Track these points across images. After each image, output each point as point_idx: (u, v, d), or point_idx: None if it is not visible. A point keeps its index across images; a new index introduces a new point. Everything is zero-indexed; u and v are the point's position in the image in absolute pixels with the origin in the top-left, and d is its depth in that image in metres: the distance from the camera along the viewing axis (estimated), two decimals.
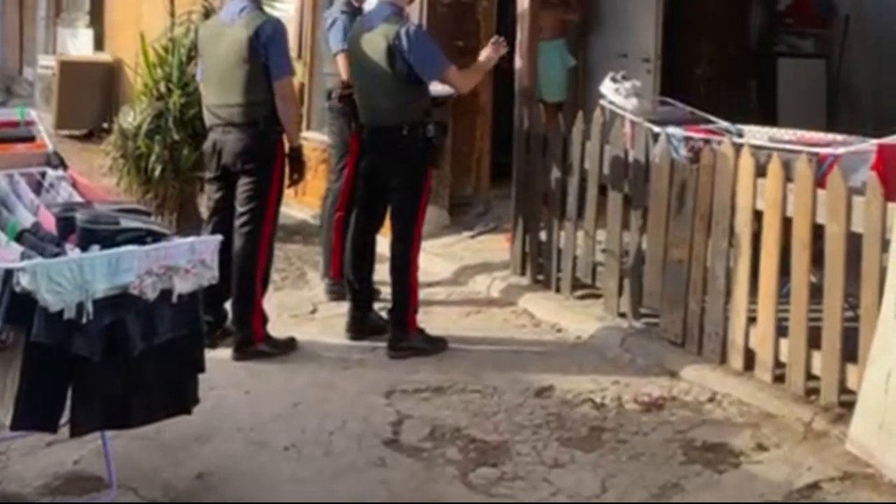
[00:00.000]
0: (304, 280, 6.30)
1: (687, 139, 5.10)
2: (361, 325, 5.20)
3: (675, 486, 3.67)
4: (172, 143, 7.07)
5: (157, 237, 3.24)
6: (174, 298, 3.16)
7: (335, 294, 5.79)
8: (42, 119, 4.41)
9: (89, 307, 2.98)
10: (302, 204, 7.60)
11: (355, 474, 3.77)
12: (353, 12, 5.70)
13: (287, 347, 5.03)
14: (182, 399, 3.43)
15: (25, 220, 3.46)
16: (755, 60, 8.45)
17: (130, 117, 7.36)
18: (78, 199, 3.58)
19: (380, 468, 3.81)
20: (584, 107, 7.32)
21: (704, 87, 7.66)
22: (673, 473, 3.77)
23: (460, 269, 6.29)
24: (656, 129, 5.21)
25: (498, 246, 6.57)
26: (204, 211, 7.33)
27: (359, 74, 5.12)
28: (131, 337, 3.05)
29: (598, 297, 5.56)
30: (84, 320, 2.98)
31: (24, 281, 2.94)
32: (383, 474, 3.77)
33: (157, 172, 7.08)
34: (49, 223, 3.44)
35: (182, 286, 3.16)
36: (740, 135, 5.37)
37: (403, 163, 4.95)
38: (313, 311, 5.70)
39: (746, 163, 4.60)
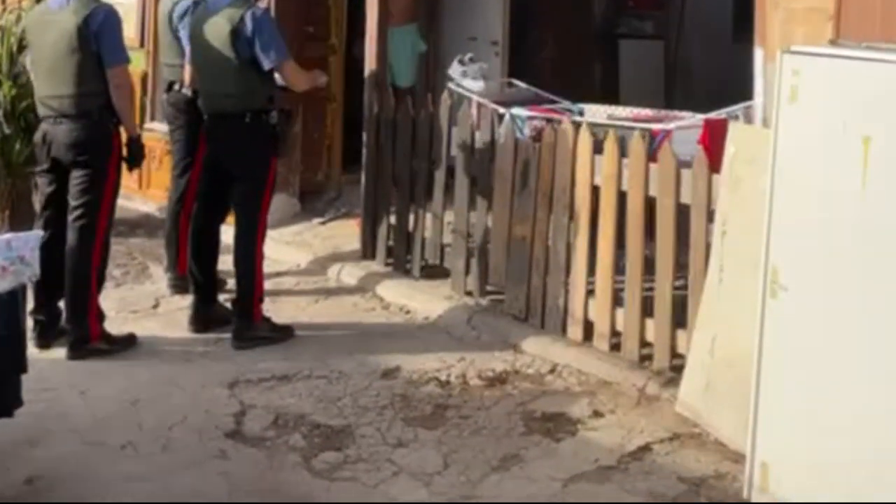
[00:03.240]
0: (146, 275, 6.11)
1: (530, 119, 5.18)
2: (205, 318, 5.09)
3: (514, 458, 3.73)
4: (3, 136, 6.74)
5: None
6: None
7: (178, 288, 5.63)
8: None
9: None
10: (146, 197, 7.38)
11: (195, 468, 3.68)
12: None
13: (126, 344, 4.87)
14: (3, 402, 3.27)
15: None
16: (599, 42, 8.65)
17: None
18: None
19: (220, 460, 3.74)
20: (435, 91, 7.39)
21: (550, 69, 7.78)
22: (513, 445, 3.83)
23: (310, 256, 6.22)
24: (501, 109, 5.26)
25: (348, 231, 6.52)
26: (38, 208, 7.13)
27: (201, 60, 5.00)
28: None
29: (446, 277, 5.60)
30: None
31: None
32: (224, 466, 3.70)
33: None
34: None
35: (1, 285, 3.01)
36: (581, 113, 5.50)
37: (246, 152, 4.86)
38: (155, 306, 5.54)
39: (585, 140, 4.70)
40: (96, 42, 4.69)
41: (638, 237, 4.49)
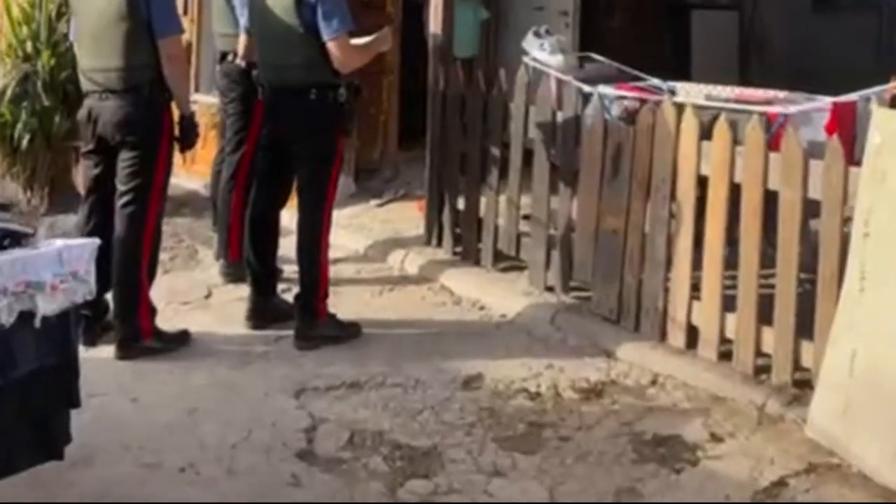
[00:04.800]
0: (195, 260, 5.69)
1: (620, 98, 4.67)
2: (263, 313, 4.65)
3: (630, 492, 3.26)
4: (42, 109, 6.35)
5: (16, 239, 2.60)
6: (37, 322, 2.53)
7: (232, 276, 5.21)
8: None
9: None
10: (191, 173, 6.94)
11: (265, 497, 3.24)
12: None
13: (179, 341, 4.44)
14: (50, 441, 2.83)
15: None
16: (669, 13, 8.09)
17: None
18: None
19: (293, 488, 3.29)
20: (496, 63, 6.89)
21: (619, 41, 7.24)
22: (626, 475, 3.36)
23: (369, 241, 5.76)
24: (586, 87, 4.76)
25: (409, 214, 6.07)
26: (80, 185, 6.71)
27: (260, 29, 4.50)
28: None
29: (522, 269, 5.13)
30: None
31: None
32: (298, 495, 3.26)
33: (24, 142, 6.35)
34: None
35: (47, 307, 2.54)
36: (673, 92, 4.99)
37: (311, 130, 4.37)
38: (208, 297, 5.11)
39: (690, 124, 4.20)
40: (147, 9, 4.23)
41: (754, 235, 3.98)
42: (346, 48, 4.32)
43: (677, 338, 4.27)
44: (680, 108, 4.31)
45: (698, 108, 4.33)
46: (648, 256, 4.40)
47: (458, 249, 5.42)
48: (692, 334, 4.24)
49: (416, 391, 4.01)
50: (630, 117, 4.66)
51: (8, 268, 2.44)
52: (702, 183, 4.19)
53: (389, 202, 6.32)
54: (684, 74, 6.81)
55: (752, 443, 3.56)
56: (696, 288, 4.23)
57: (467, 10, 6.85)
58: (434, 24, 5.59)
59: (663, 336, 4.33)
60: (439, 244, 5.53)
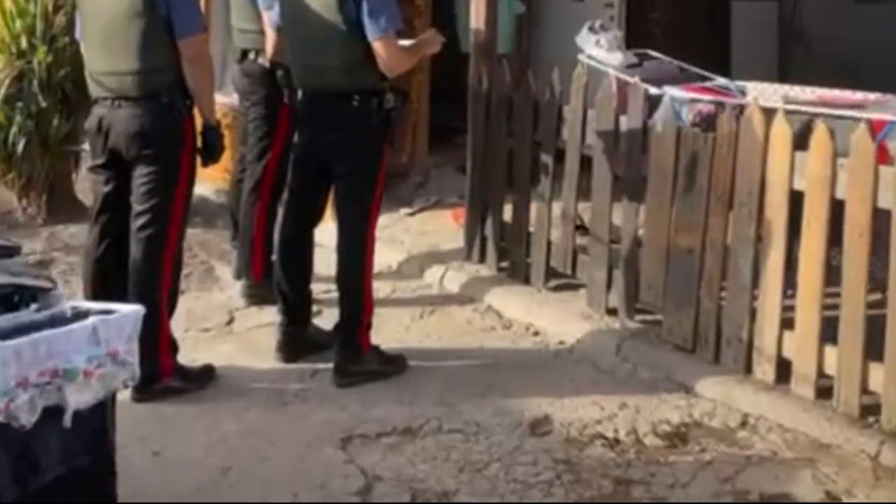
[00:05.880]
0: (212, 278, 5.18)
1: (692, 102, 4.18)
2: (297, 344, 4.16)
3: None
4: (38, 110, 5.81)
5: (31, 295, 2.10)
6: (66, 420, 2.03)
7: (256, 298, 4.72)
8: None
9: None
10: (201, 177, 6.38)
11: None
12: None
13: (204, 379, 3.96)
14: None
15: None
16: (710, 3, 7.60)
17: None
18: None
19: None
20: (530, 60, 6.41)
21: (661, 32, 6.75)
22: None
23: (403, 256, 5.27)
24: (653, 89, 4.27)
25: (443, 225, 5.58)
26: (80, 193, 6.20)
27: (295, 24, 3.99)
28: None
29: (576, 288, 4.65)
30: None
31: None
32: None
33: (20, 147, 5.82)
34: None
35: (79, 399, 2.03)
36: (744, 93, 4.51)
37: (353, 141, 3.88)
38: (229, 322, 4.61)
39: (781, 132, 3.72)
40: (165, 4, 3.74)
41: (861, 257, 3.52)
42: (394, 49, 3.83)
43: (765, 372, 3.81)
44: (765, 112, 3.83)
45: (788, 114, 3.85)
46: (730, 279, 3.93)
47: (504, 265, 4.94)
48: (782, 368, 3.77)
49: (478, 439, 3.53)
50: (704, 123, 4.19)
51: (29, 353, 1.92)
52: (795, 198, 3.72)
53: (420, 211, 5.83)
54: (724, 69, 6.33)
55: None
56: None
57: (501, 3, 6.33)
58: (476, 19, 5.09)
59: (748, 369, 3.86)
60: (482, 259, 5.05)
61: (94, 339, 2.06)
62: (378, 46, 3.81)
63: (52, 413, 2.04)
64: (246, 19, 4.73)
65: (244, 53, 4.77)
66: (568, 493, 3.18)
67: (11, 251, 2.46)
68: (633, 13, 6.64)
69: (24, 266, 2.46)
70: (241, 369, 4.10)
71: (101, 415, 2.18)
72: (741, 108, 4.12)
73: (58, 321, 2.07)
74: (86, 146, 5.96)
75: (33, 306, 2.18)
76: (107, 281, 3.88)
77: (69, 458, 2.11)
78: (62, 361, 1.98)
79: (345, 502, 3.14)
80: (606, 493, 3.19)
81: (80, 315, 2.13)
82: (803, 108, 4.04)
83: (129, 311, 2.20)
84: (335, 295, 4.34)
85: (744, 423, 3.64)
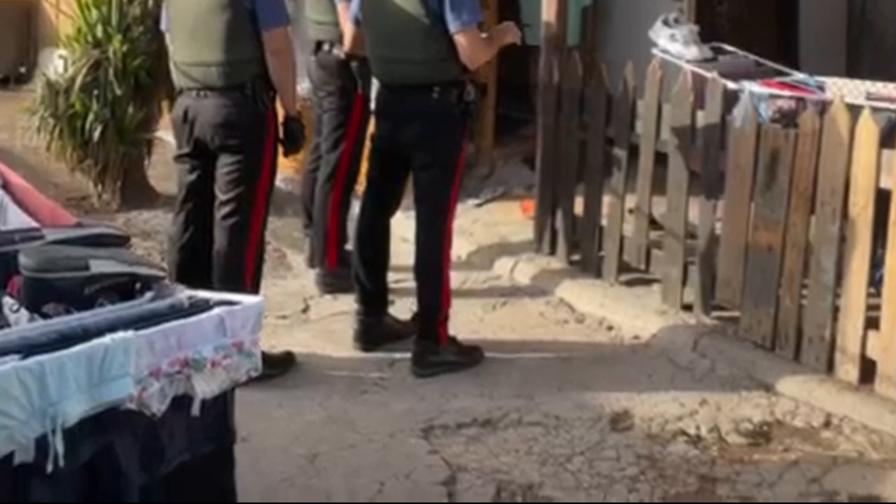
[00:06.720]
0: (285, 266, 5.24)
1: (773, 98, 4.15)
2: (374, 334, 4.20)
3: None
4: (114, 99, 5.89)
5: (145, 284, 2.15)
6: (195, 409, 2.08)
7: (330, 286, 4.77)
8: None
9: (58, 445, 1.83)
10: None
11: None
12: None
13: (285, 366, 4.02)
14: None
15: None
16: None
17: (60, 67, 6.15)
18: (18, 217, 2.44)
19: None
20: (597, 52, 6.37)
21: (728, 26, 6.67)
22: None
23: (472, 247, 5.29)
24: (732, 84, 4.24)
25: (512, 217, 5.58)
26: (153, 180, 6.30)
27: (375, 17, 4.02)
28: (125, 472, 1.96)
29: (649, 283, 4.65)
30: (50, 466, 1.85)
31: None
32: None
33: (96, 134, 5.90)
34: None
35: (206, 388, 2.08)
36: (822, 89, 4.46)
37: (433, 133, 3.90)
38: (305, 310, 4.66)
39: (868, 131, 3.68)
40: None
41: None
42: (476, 41, 3.85)
43: (848, 371, 3.78)
44: (853, 110, 3.79)
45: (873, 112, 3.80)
46: (812, 278, 3.90)
47: (575, 258, 4.95)
48: (866, 368, 3.74)
49: (559, 432, 3.56)
50: (784, 119, 4.15)
51: (161, 342, 1.97)
52: (882, 197, 3.69)
53: (488, 202, 5.84)
54: (792, 62, 6.24)
55: None
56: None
57: None
58: (546, 11, 5.08)
59: (830, 368, 3.84)
60: (552, 252, 5.05)
61: (221, 329, 2.11)
62: (461, 39, 3.83)
63: (179, 402, 2.09)
64: (321, 11, 4.77)
65: (319, 45, 4.80)
66: (653, 490, 3.19)
67: (121, 240, 2.51)
68: (701, 6, 6.56)
69: (134, 255, 2.50)
70: (319, 357, 4.15)
71: (222, 404, 2.22)
72: (823, 105, 4.08)
73: (177, 311, 2.11)
74: (159, 133, 6.15)
75: (147, 295, 2.23)
76: (191, 268, 3.94)
77: (193, 445, 2.16)
78: (192, 351, 2.04)
79: (431, 492, 3.17)
80: (692, 491, 3.20)
81: (198, 304, 2.17)
82: (887, 105, 3.99)
83: (253, 303, 2.24)
84: (406, 285, 4.41)
85: (827, 423, 3.62)
